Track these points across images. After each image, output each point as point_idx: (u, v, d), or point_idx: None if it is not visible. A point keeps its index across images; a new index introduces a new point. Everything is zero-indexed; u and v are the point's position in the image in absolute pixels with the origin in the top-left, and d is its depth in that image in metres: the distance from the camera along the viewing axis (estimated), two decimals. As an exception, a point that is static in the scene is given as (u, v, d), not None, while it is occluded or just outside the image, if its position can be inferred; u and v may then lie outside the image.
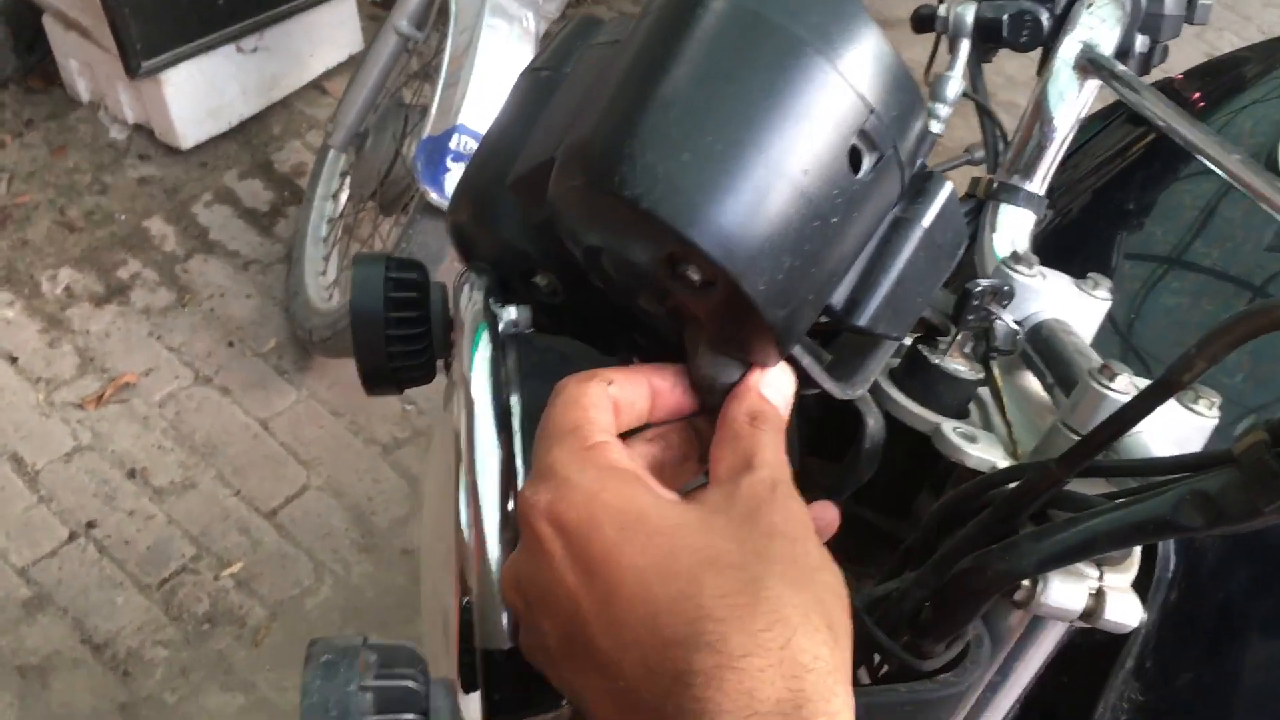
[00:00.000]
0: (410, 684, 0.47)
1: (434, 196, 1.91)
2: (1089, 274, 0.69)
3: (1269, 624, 0.73)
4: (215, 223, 2.67)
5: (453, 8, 2.06)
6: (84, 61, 2.75)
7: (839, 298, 0.54)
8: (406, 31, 2.26)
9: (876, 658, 0.61)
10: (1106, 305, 0.68)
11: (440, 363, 0.78)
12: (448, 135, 1.90)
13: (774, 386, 0.54)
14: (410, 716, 0.47)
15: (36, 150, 2.76)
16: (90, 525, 2.14)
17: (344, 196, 2.49)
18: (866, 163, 0.51)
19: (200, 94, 2.68)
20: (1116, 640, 0.71)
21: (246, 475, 2.24)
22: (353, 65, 2.64)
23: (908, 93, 0.52)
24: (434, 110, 1.96)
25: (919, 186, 0.56)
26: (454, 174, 1.91)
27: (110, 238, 2.61)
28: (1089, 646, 0.74)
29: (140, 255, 2.59)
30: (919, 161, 0.58)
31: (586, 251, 0.54)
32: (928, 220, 0.55)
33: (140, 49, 2.51)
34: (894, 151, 0.52)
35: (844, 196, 0.50)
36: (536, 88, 0.68)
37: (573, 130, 0.53)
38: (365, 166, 2.27)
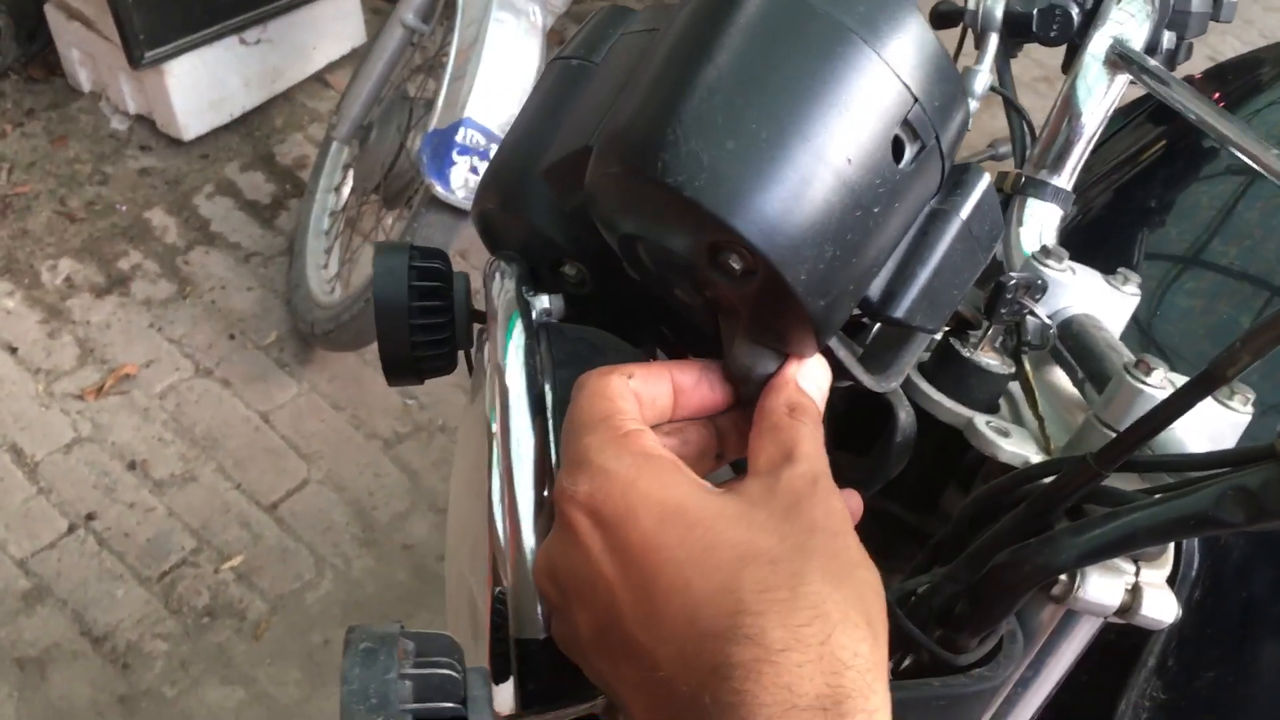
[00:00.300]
0: (448, 672, 0.47)
1: (439, 190, 1.91)
2: (1119, 270, 0.69)
3: (1291, 624, 0.73)
4: (217, 215, 2.66)
5: (460, 1, 2.05)
6: (86, 51, 2.74)
7: (875, 289, 0.54)
8: (412, 24, 2.25)
9: (905, 655, 0.60)
10: (1135, 301, 0.68)
11: (461, 354, 0.77)
12: (454, 128, 1.90)
13: (811, 379, 0.54)
14: (449, 705, 0.46)
15: (37, 140, 2.74)
16: (90, 517, 2.13)
17: (347, 190, 2.48)
18: (909, 152, 0.50)
19: (203, 85, 2.67)
20: (1139, 638, 0.71)
21: (247, 468, 2.24)
22: (356, 58, 2.63)
23: (951, 83, 0.51)
24: (440, 103, 1.95)
25: (957, 178, 0.55)
26: (459, 167, 1.90)
27: (111, 228, 2.60)
28: (1112, 645, 0.74)
29: (141, 246, 2.58)
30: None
31: (623, 240, 0.54)
32: (966, 212, 0.54)
33: (143, 39, 2.50)
34: (936, 142, 0.51)
35: (886, 186, 0.50)
36: (567, 76, 0.67)
37: (611, 117, 0.53)
38: (369, 159, 2.27)
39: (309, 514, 2.19)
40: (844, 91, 0.48)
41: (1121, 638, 0.72)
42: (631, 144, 0.49)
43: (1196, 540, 0.68)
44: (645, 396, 0.52)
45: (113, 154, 2.75)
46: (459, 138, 1.88)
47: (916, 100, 0.50)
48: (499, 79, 1.93)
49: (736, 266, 0.49)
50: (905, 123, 0.50)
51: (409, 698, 0.46)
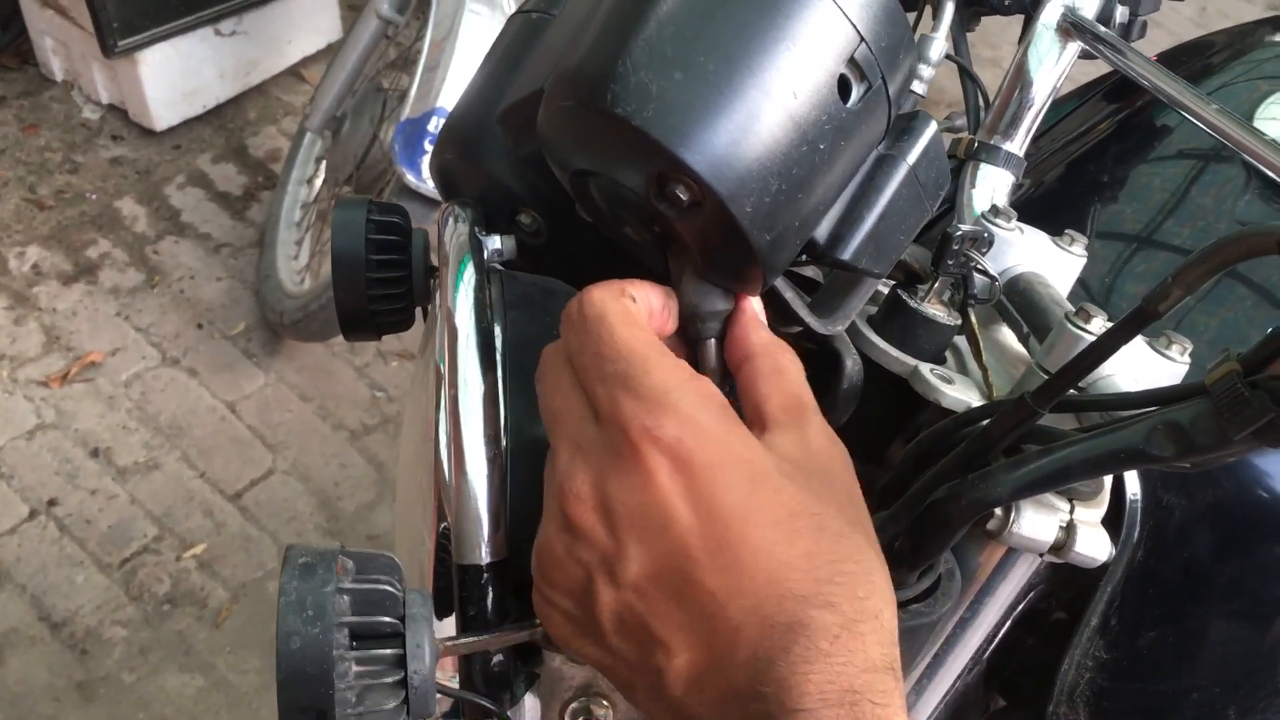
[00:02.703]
0: (388, 588, 0.47)
1: (410, 179, 1.91)
2: (1065, 231, 0.70)
3: (1230, 587, 0.74)
4: (187, 205, 2.65)
5: (435, -7, 2.06)
6: (59, 40, 2.73)
7: (823, 231, 0.55)
8: (388, 15, 2.26)
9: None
10: (1082, 261, 0.69)
11: (419, 310, 0.78)
12: (426, 118, 1.90)
13: (756, 320, 0.55)
14: (386, 619, 0.47)
15: (7, 128, 2.73)
16: (51, 503, 2.11)
17: (319, 181, 2.48)
18: (855, 92, 0.51)
19: (176, 76, 2.67)
20: (1083, 598, 0.72)
21: (212, 457, 2.23)
22: (331, 53, 2.63)
23: (898, 26, 0.52)
24: (413, 93, 1.95)
25: (905, 125, 0.56)
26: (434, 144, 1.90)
27: (80, 217, 2.59)
28: (1056, 605, 0.75)
29: (110, 235, 2.57)
30: (905, 107, 0.59)
31: (574, 177, 0.55)
32: (913, 157, 0.55)
33: (117, 28, 2.49)
34: (882, 83, 0.52)
35: (832, 124, 0.51)
36: (525, 28, 0.68)
37: (565, 57, 0.54)
38: (342, 150, 2.27)
39: (273, 503, 2.18)
40: (791, 27, 0.49)
41: (1062, 598, 0.73)
42: (582, 77, 0.50)
43: (1139, 501, 0.70)
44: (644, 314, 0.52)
45: (84, 143, 2.73)
46: (431, 126, 1.89)
47: (863, 40, 0.51)
48: (472, 69, 1.94)
49: (684, 198, 0.50)
50: (852, 61, 0.51)
51: (346, 611, 0.46)
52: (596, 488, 0.47)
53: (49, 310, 2.41)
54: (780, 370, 0.53)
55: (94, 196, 2.63)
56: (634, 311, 0.50)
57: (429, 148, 1.90)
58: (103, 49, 2.52)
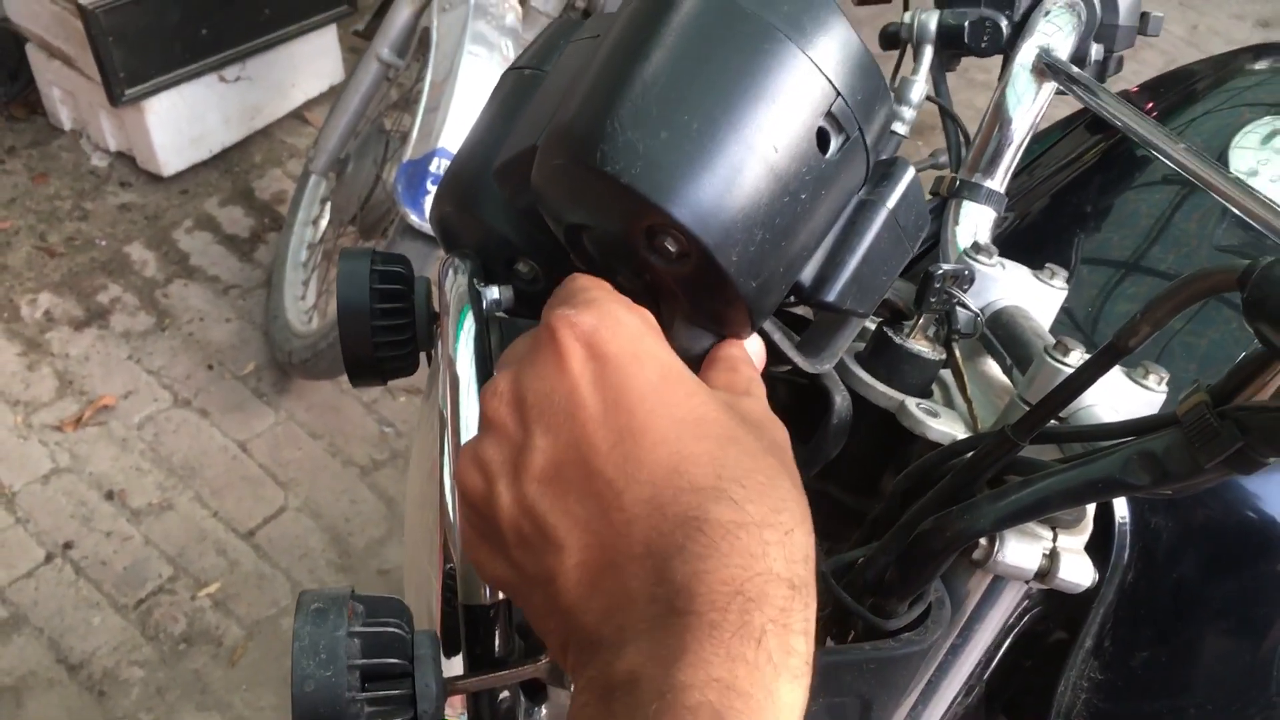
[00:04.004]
0: (397, 631, 0.49)
1: (414, 219, 1.94)
2: (1046, 265, 0.72)
3: (1219, 606, 0.76)
4: (196, 248, 2.69)
5: (434, 36, 2.10)
6: (67, 89, 2.77)
7: (808, 275, 0.57)
8: (388, 59, 2.30)
9: (840, 624, 0.63)
10: (1063, 294, 0.72)
11: (424, 355, 0.80)
12: (428, 159, 1.93)
13: (749, 349, 0.57)
14: (395, 661, 0.49)
15: (17, 177, 2.77)
16: (67, 546, 2.14)
17: (324, 222, 2.51)
18: (834, 143, 0.54)
19: (182, 122, 2.71)
20: (1077, 622, 0.74)
21: (224, 496, 2.25)
22: (333, 95, 2.67)
23: (873, 79, 0.55)
24: (415, 134, 1.99)
25: (884, 171, 0.59)
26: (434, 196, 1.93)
27: (90, 263, 2.63)
28: (1051, 628, 0.76)
29: (120, 280, 2.60)
30: (886, 149, 0.61)
31: (568, 230, 0.57)
32: (892, 201, 0.58)
33: (123, 77, 2.54)
34: (860, 134, 0.55)
35: (812, 174, 0.53)
36: (519, 84, 0.71)
37: (556, 116, 0.56)
38: (346, 191, 2.30)
39: (286, 541, 2.20)
40: (770, 85, 0.52)
41: (1058, 620, 0.75)
42: (574, 137, 0.53)
43: (1127, 524, 0.72)
44: None
45: (93, 190, 2.78)
46: (433, 167, 1.92)
47: (840, 94, 0.53)
48: (472, 110, 1.97)
49: (672, 249, 0.52)
50: (829, 115, 0.53)
51: (357, 654, 0.48)
52: (514, 382, 0.48)
53: (61, 355, 2.44)
54: (734, 369, 0.54)
55: (104, 243, 2.67)
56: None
57: (431, 188, 1.93)
58: (110, 98, 2.56)
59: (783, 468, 0.48)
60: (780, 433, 0.51)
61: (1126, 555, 0.72)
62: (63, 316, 2.51)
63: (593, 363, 0.47)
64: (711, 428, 0.47)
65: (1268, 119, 0.92)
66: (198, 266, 2.66)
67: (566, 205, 0.56)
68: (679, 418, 0.46)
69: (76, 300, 2.55)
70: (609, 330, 0.48)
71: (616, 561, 0.44)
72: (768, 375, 0.59)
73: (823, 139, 0.53)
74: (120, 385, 2.41)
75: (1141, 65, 3.20)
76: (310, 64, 2.93)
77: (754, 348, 0.57)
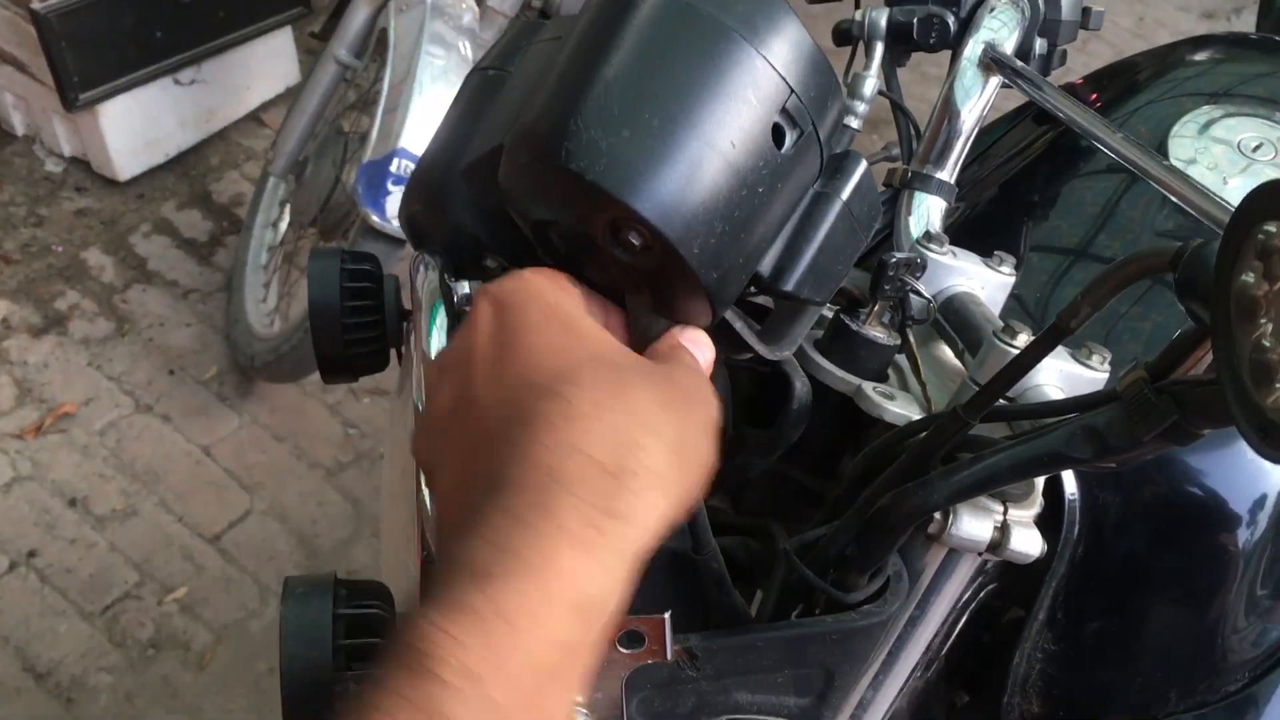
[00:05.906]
0: (378, 612, 0.51)
1: (375, 219, 1.95)
2: (995, 252, 0.75)
3: (1165, 577, 0.80)
4: (154, 253, 2.68)
5: (391, 37, 2.11)
6: (19, 95, 2.75)
7: (767, 265, 0.60)
8: (346, 60, 2.30)
9: (803, 601, 0.66)
10: (1011, 280, 0.75)
11: (393, 351, 0.82)
12: (388, 159, 1.94)
13: (697, 343, 0.59)
14: (378, 640, 0.51)
15: (-30, 184, 2.75)
16: (31, 554, 2.13)
17: (284, 224, 2.51)
18: (789, 139, 0.56)
19: (137, 126, 2.70)
20: (1031, 597, 0.77)
21: (189, 501, 2.25)
22: (290, 97, 2.67)
23: (825, 76, 0.57)
24: (374, 135, 2.00)
25: (837, 164, 0.61)
26: (394, 197, 1.95)
27: (47, 269, 2.61)
28: (1007, 605, 0.79)
29: (78, 286, 2.59)
30: (840, 143, 0.64)
31: (535, 226, 0.59)
32: (846, 193, 0.60)
33: (77, 82, 2.52)
34: (813, 129, 0.57)
35: (769, 168, 0.55)
36: (484, 85, 0.73)
37: (521, 116, 0.58)
38: (306, 193, 2.30)
39: (252, 544, 2.20)
40: (726, 83, 0.54)
41: (1013, 596, 0.78)
42: (538, 136, 0.55)
43: (1077, 500, 0.75)
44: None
45: (48, 196, 2.76)
46: (393, 167, 1.93)
47: (793, 91, 0.56)
48: (432, 110, 1.98)
49: (635, 242, 0.54)
50: (784, 111, 0.56)
51: (341, 635, 0.50)
52: (442, 351, 0.55)
53: (20, 364, 2.43)
54: (669, 341, 0.57)
55: (60, 249, 2.65)
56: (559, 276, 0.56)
57: (391, 188, 1.94)
58: (64, 103, 2.54)
59: (649, 382, 0.49)
60: (702, 405, 0.52)
61: (1077, 530, 0.75)
62: (20, 324, 2.50)
63: (491, 310, 0.52)
64: (575, 352, 0.50)
65: (1205, 108, 0.95)
66: (156, 271, 2.65)
67: (533, 202, 0.58)
68: (544, 344, 0.50)
69: (34, 307, 2.53)
70: (521, 292, 0.53)
71: (476, 466, 0.47)
72: (731, 364, 0.61)
73: (778, 134, 0.56)
74: (80, 392, 2.40)
75: (1090, 57, 3.26)
76: (266, 66, 2.92)
77: (702, 338, 0.59)
